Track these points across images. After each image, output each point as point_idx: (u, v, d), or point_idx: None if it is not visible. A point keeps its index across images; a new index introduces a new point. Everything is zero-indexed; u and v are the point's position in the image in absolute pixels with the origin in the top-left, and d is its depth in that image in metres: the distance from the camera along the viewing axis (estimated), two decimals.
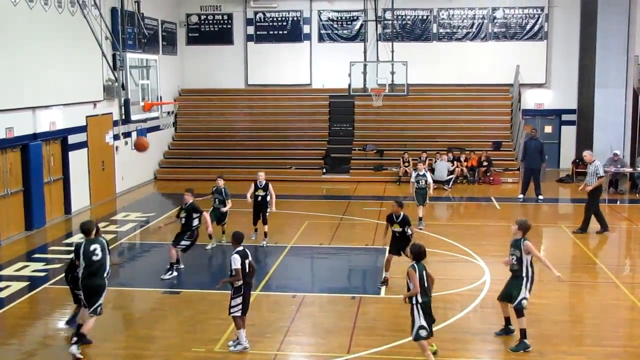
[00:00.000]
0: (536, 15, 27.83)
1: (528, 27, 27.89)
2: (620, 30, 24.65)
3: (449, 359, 9.90)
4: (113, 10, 21.68)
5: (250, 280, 10.27)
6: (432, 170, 23.95)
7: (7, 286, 13.26)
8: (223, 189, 16.15)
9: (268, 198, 16.35)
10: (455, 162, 24.69)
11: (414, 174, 17.97)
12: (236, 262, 9.97)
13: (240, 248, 10.15)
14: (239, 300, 10.06)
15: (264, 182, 16.43)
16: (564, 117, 28.05)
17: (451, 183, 23.75)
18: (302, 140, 27.72)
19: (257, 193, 16.36)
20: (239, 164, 26.50)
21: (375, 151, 26.72)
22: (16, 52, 16.90)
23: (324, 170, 26.22)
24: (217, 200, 16.20)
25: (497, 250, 16.13)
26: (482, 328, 11.17)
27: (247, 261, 10.07)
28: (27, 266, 14.69)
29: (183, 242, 13.96)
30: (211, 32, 29.45)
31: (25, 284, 13.47)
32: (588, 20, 26.07)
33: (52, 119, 18.78)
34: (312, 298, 12.65)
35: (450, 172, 23.93)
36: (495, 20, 28.11)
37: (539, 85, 28.05)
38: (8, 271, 14.32)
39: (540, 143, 21.93)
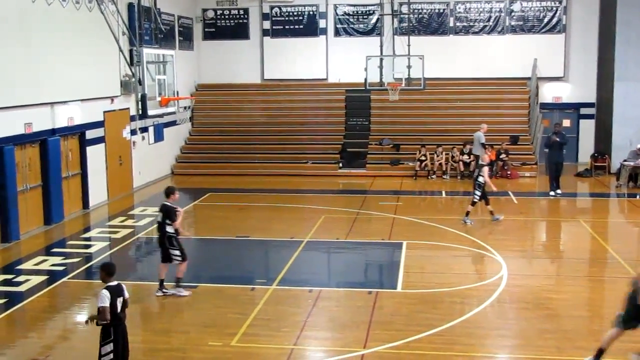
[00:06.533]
0: (554, 8, 27.58)
1: (546, 20, 27.64)
2: None
3: (465, 354, 9.87)
4: (130, 6, 21.77)
5: (122, 322, 8.46)
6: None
7: (27, 280, 13.38)
8: None
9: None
10: (471, 156, 24.58)
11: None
12: (104, 299, 8.11)
13: (114, 283, 8.34)
14: (109, 348, 8.22)
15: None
16: (583, 111, 27.79)
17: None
18: (318, 135, 27.69)
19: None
20: (255, 159, 26.59)
21: (391, 145, 26.65)
22: (34, 49, 17.00)
23: (340, 165, 26.20)
24: None
25: (515, 244, 16.09)
26: (499, 323, 11.12)
27: (119, 299, 8.31)
28: (46, 260, 14.82)
29: None
30: (227, 27, 29.47)
31: (44, 277, 13.58)
32: (607, 12, 25.83)
33: (70, 114, 18.91)
34: (328, 292, 12.65)
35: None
36: (513, 14, 27.87)
37: (557, 79, 27.80)
38: (27, 265, 14.44)
39: (563, 136, 21.82)
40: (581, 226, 17.81)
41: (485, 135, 23.68)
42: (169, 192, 12.50)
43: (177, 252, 12.31)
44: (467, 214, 17.62)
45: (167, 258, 12.39)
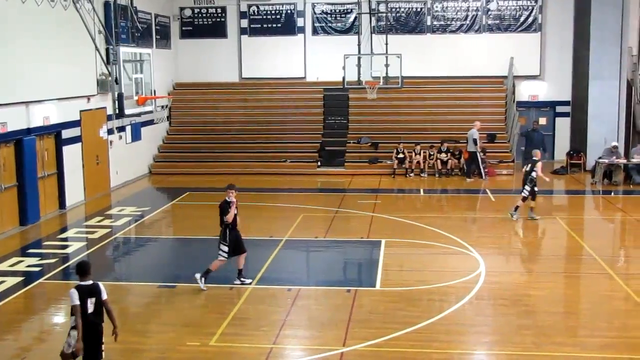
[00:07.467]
0: (530, 7, 27.80)
1: (522, 19, 27.86)
2: (614, 22, 24.66)
3: (443, 351, 9.92)
4: (106, 4, 21.59)
5: (94, 325, 8.26)
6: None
7: (2, 281, 13.22)
8: None
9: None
10: (449, 154, 24.77)
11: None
12: (73, 297, 8.05)
13: (87, 282, 8.21)
14: (72, 341, 8.20)
15: None
16: (558, 109, 28.05)
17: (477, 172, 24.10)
18: (297, 134, 27.67)
19: None
20: (233, 158, 26.51)
21: (370, 144, 26.70)
22: (9, 47, 16.80)
23: (319, 164, 26.21)
24: None
25: (492, 242, 16.20)
26: (477, 320, 11.20)
27: (90, 299, 8.14)
28: (21, 261, 14.66)
29: None
30: (205, 25, 29.35)
31: (20, 279, 13.43)
32: (582, 12, 26.07)
33: (45, 113, 18.71)
34: (307, 291, 12.65)
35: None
36: (489, 13, 28.07)
37: (533, 77, 28.04)
38: (2, 266, 14.27)
39: (542, 135, 22.05)
40: (557, 223, 17.97)
41: (464, 134, 23.79)
42: (227, 188, 12.69)
43: (226, 249, 12.55)
44: (516, 208, 17.78)
45: (235, 251, 12.69)
